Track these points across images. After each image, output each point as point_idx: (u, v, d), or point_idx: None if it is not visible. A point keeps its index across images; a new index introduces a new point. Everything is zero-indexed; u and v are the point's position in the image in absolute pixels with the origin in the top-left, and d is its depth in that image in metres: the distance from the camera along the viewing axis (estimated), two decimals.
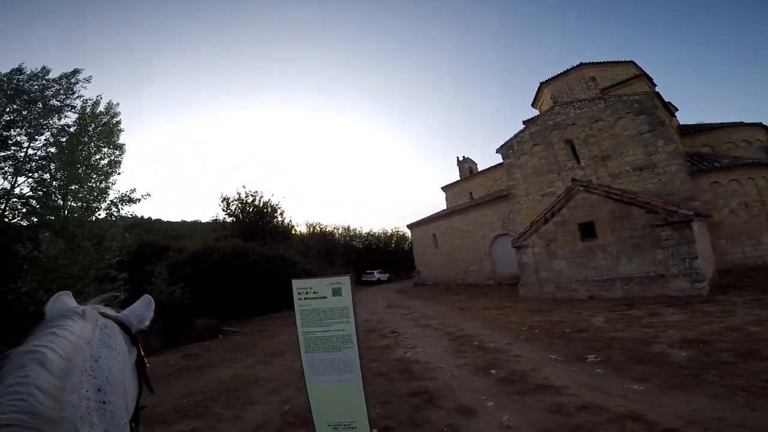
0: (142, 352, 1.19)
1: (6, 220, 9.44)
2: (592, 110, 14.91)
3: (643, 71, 19.18)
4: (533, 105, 23.74)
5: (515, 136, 17.90)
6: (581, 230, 11.59)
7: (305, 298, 3.09)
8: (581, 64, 19.90)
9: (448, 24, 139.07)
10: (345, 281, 3.05)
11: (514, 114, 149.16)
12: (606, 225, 11.07)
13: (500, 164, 22.58)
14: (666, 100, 14.70)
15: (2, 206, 9.48)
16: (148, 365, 1.20)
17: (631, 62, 20.25)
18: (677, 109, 17.70)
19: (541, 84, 21.66)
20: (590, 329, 7.37)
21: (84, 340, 0.88)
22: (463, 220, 22.30)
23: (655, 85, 18.66)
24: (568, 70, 20.16)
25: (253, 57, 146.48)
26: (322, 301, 3.04)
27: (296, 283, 3.14)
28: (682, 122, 18.52)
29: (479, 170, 28.56)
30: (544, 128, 16.53)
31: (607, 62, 20.06)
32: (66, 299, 1.13)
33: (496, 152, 19.04)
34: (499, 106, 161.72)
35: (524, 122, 19.06)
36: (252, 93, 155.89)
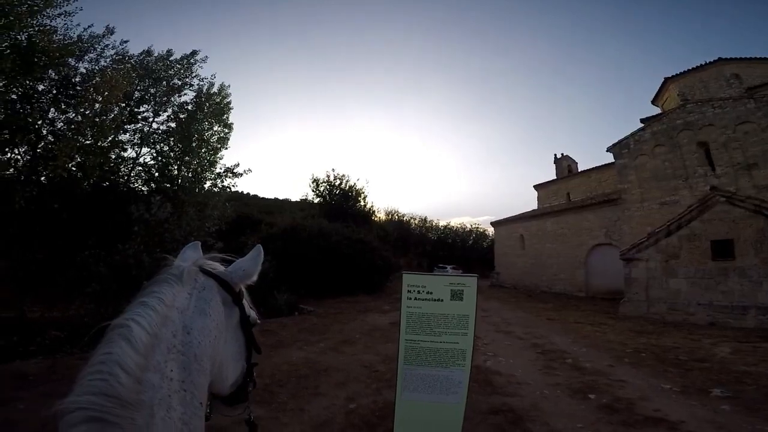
0: (247, 312, 1.09)
1: (130, 185, 10.76)
2: (737, 110, 12.69)
3: None
4: (654, 102, 21.27)
5: (633, 134, 15.91)
6: (714, 248, 9.73)
7: (416, 298, 2.54)
8: (720, 59, 17.22)
9: (555, 10, 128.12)
10: (470, 283, 2.52)
11: (624, 112, 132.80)
12: (749, 245, 9.12)
13: (608, 165, 20.29)
14: None
15: (128, 172, 10.81)
16: (257, 323, 1.14)
17: None
18: None
19: (666, 79, 19.31)
20: (713, 359, 6.20)
21: (176, 309, 0.83)
22: (557, 223, 20.45)
23: None
24: (703, 65, 17.63)
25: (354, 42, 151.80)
26: (436, 304, 2.51)
27: (408, 278, 2.58)
28: None
29: (579, 170, 25.96)
30: (671, 127, 14.43)
31: (755, 58, 17.05)
32: (189, 253, 1.12)
33: (607, 150, 17.09)
34: (607, 102, 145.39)
35: (643, 120, 17.09)
36: (347, 81, 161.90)
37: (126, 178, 10.70)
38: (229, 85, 12.66)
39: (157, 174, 11.09)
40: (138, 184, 11.15)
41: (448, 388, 2.48)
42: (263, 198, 36.48)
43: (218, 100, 12.42)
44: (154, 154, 11.19)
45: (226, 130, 12.61)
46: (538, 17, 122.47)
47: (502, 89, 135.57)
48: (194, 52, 12.24)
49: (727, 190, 10.62)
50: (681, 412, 4.06)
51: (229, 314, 1.02)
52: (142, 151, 11.07)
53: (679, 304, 10.23)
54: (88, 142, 8.66)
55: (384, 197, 74.77)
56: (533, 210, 25.93)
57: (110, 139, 9.63)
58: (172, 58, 11.87)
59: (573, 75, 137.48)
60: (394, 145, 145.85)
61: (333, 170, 24.73)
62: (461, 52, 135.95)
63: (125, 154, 10.79)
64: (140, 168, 11.12)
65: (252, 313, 1.13)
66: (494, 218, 27.13)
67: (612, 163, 17.73)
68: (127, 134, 10.80)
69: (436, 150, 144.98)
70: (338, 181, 23.86)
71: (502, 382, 5.33)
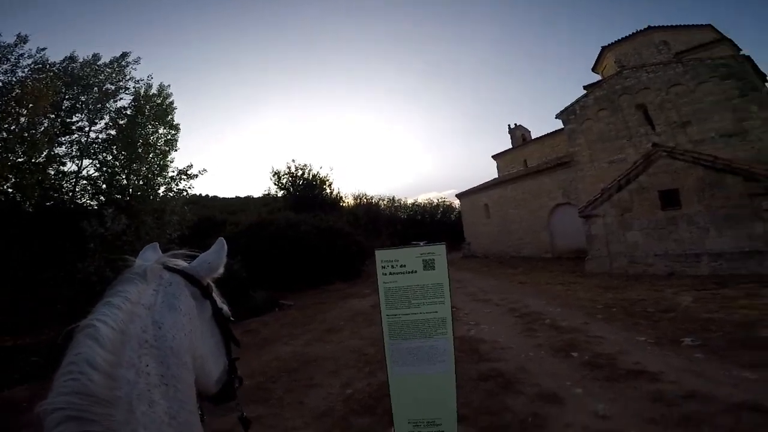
0: (220, 305, 1.09)
1: (77, 201, 10.03)
2: (668, 74, 13.71)
3: (724, 35, 17.45)
4: (594, 70, 22.23)
5: (578, 100, 16.72)
6: (662, 198, 10.42)
7: (391, 273, 2.55)
8: (650, 27, 18.43)
9: None
10: (439, 251, 2.52)
11: (568, 80, 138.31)
12: (692, 193, 9.84)
13: (558, 131, 21.19)
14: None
15: (72, 188, 10.06)
16: (231, 318, 1.13)
17: (709, 26, 18.39)
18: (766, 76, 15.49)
19: (604, 48, 20.34)
20: (678, 309, 6.62)
21: (143, 306, 0.81)
22: (517, 189, 21.19)
23: (740, 49, 16.49)
24: (635, 33, 18.75)
25: (303, 33, 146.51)
26: (411, 276, 2.53)
27: (380, 254, 2.59)
28: None
29: (533, 138, 26.88)
30: (612, 92, 15.36)
31: (680, 26, 18.47)
32: (149, 253, 1.10)
33: (556, 117, 17.83)
34: (552, 72, 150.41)
35: (585, 87, 18.05)
36: (301, 66, 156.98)
37: (71, 193, 9.93)
38: (169, 85, 11.99)
39: (104, 186, 10.40)
40: (86, 199, 10.41)
41: (435, 358, 2.53)
42: (224, 198, 35.33)
43: (159, 101, 11.73)
44: (98, 165, 10.46)
45: (173, 132, 11.98)
46: None
47: (453, 66, 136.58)
48: (125, 54, 11.41)
49: (667, 146, 11.34)
50: (659, 363, 4.32)
51: (201, 308, 1.01)
52: (84, 164, 10.33)
53: (638, 257, 10.92)
54: (20, 159, 7.93)
55: (351, 182, 74.51)
56: (494, 179, 26.63)
57: (45, 153, 8.89)
58: (100, 62, 11.03)
59: (519, 49, 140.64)
60: (355, 130, 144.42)
61: (293, 161, 24.17)
62: (415, 33, 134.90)
63: (65, 169, 10.01)
64: (85, 182, 10.38)
65: (224, 307, 1.12)
66: (459, 191, 27.62)
67: (562, 129, 18.45)
68: (63, 147, 10.03)
69: (397, 131, 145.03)
70: (300, 172, 23.40)
71: (488, 349, 5.54)
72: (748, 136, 11.74)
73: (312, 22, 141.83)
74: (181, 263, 1.04)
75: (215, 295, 1.09)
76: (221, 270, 1.12)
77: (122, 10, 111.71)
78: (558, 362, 4.75)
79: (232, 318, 1.14)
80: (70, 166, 10.25)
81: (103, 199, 10.17)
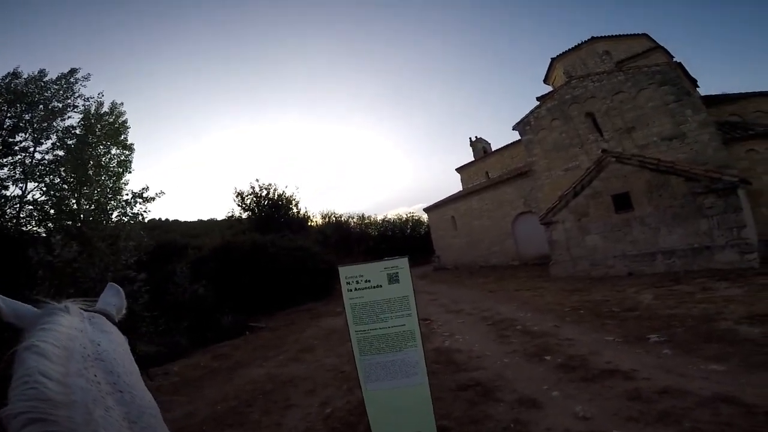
0: (129, 344, 1.12)
1: (21, 228, 9.30)
2: (611, 82, 14.50)
3: (658, 44, 18.67)
4: (545, 81, 23.22)
5: (532, 112, 17.41)
6: (615, 202, 11.00)
7: (356, 289, 2.56)
8: (593, 38, 19.46)
9: (446, 7, 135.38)
10: (402, 264, 2.55)
11: (523, 93, 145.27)
12: (642, 195, 10.48)
13: (517, 142, 22.05)
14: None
15: (16, 213, 9.32)
16: (137, 353, 1.13)
17: (644, 35, 19.71)
18: (697, 81, 17.00)
19: (553, 60, 21.22)
20: (640, 307, 6.92)
21: (76, 329, 0.85)
22: (482, 200, 21.75)
23: (672, 56, 17.96)
24: (579, 44, 19.74)
25: (257, 50, 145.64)
26: (376, 291, 2.54)
27: (344, 271, 2.61)
28: (703, 94, 17.80)
29: (494, 150, 27.86)
30: (562, 102, 16.08)
31: (620, 35, 19.62)
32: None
33: (513, 129, 18.49)
34: (506, 85, 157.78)
35: (538, 98, 18.81)
36: (258, 88, 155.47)
37: (15, 220, 9.17)
38: (122, 103, 11.44)
39: (52, 211, 9.68)
40: (32, 225, 9.65)
41: (407, 371, 2.53)
42: (186, 222, 34.03)
43: (111, 120, 11.16)
44: (44, 189, 9.75)
45: (127, 152, 11.40)
46: (437, 12, 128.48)
47: (414, 83, 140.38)
48: (73, 71, 10.82)
49: (615, 151, 12.05)
50: (630, 361, 4.44)
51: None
52: (29, 187, 9.62)
53: (599, 259, 11.39)
54: None
55: (319, 202, 73.67)
56: (459, 192, 27.25)
57: None
58: (46, 79, 10.41)
59: (474, 65, 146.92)
60: (322, 149, 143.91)
61: (257, 181, 23.68)
62: (376, 51, 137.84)
63: (7, 193, 9.26)
64: (30, 207, 9.62)
65: None
66: (427, 204, 28.01)
67: (520, 140, 19.18)
68: (6, 169, 9.29)
69: (364, 149, 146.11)
70: (265, 192, 22.92)
71: (464, 359, 5.54)
72: (686, 139, 12.52)
73: (270, 33, 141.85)
74: (88, 307, 1.08)
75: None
76: (125, 311, 1.19)
77: (72, 26, 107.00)
78: (533, 367, 4.81)
79: (137, 353, 1.16)
80: (13, 190, 9.53)
81: (52, 226, 9.45)
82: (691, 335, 5.03)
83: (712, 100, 16.03)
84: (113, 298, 1.18)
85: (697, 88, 16.41)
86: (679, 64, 13.58)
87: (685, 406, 3.27)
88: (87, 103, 10.77)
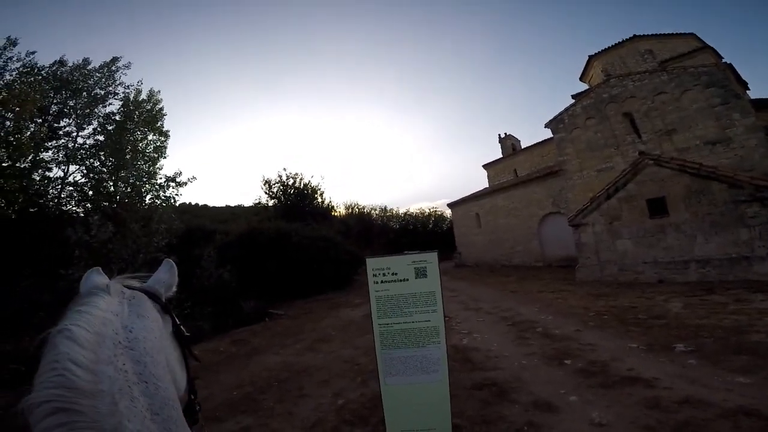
0: (178, 320, 1.12)
1: (61, 207, 9.80)
2: (653, 82, 13.88)
3: (706, 44, 17.75)
4: (581, 79, 22.66)
5: (566, 109, 16.87)
6: (650, 207, 10.53)
7: (383, 281, 2.52)
8: (635, 36, 18.74)
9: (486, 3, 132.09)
10: (431, 258, 2.51)
11: (557, 90, 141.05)
12: (679, 201, 9.98)
13: (547, 140, 21.50)
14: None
15: (57, 194, 9.83)
16: (187, 334, 1.14)
17: (692, 34, 18.80)
18: (747, 84, 15.96)
19: (590, 57, 20.65)
20: (668, 315, 6.66)
21: (111, 313, 0.84)
22: (508, 198, 21.32)
23: (722, 57, 16.91)
24: (620, 42, 19.07)
25: (292, 40, 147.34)
26: (403, 284, 2.50)
27: (371, 262, 2.58)
28: (753, 97, 16.70)
29: (523, 147, 27.23)
30: (599, 101, 15.50)
31: (665, 34, 18.79)
32: (95, 276, 1.09)
33: (545, 127, 18.00)
34: (540, 81, 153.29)
35: (573, 96, 18.23)
36: (288, 79, 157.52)
37: (56, 200, 9.70)
38: (159, 91, 11.88)
39: (91, 192, 10.18)
40: (72, 206, 10.17)
41: (428, 367, 2.49)
42: (215, 207, 34.96)
43: (149, 107, 11.63)
44: (85, 171, 10.25)
45: (162, 138, 11.86)
46: (472, 7, 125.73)
47: (445, 78, 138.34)
48: (115, 59, 11.28)
49: (654, 154, 11.48)
50: (653, 370, 4.30)
51: (164, 322, 1.05)
52: (70, 170, 10.11)
53: (628, 264, 10.98)
54: (4, 164, 7.75)
55: (343, 192, 74.30)
56: (485, 188, 26.83)
57: (30, 158, 8.69)
58: (90, 67, 10.90)
59: (509, 58, 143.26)
60: (347, 141, 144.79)
61: (285, 170, 24.07)
62: (402, 42, 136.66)
63: (51, 174, 9.79)
64: (71, 188, 10.14)
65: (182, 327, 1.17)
66: (450, 200, 27.71)
67: (551, 138, 18.68)
68: (50, 152, 9.81)
69: (390, 142, 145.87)
70: (292, 180, 23.28)
71: (481, 358, 5.48)
72: (732, 143, 11.92)
73: (303, 27, 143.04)
74: (135, 284, 1.08)
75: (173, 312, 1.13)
76: (175, 288, 1.18)
77: (114, 14, 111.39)
78: (552, 370, 4.72)
79: (187, 333, 1.16)
80: (56, 172, 10.06)
81: (90, 206, 9.94)
82: (720, 346, 4.85)
83: (762, 104, 15.13)
84: (165, 274, 1.17)
85: (747, 92, 15.48)
86: (729, 66, 12.87)
87: (706, 417, 3.17)
88: (127, 90, 11.27)
